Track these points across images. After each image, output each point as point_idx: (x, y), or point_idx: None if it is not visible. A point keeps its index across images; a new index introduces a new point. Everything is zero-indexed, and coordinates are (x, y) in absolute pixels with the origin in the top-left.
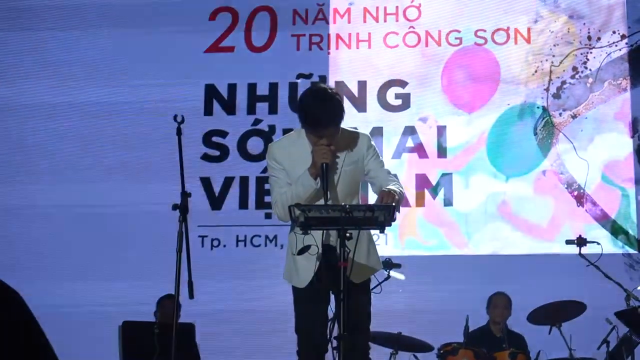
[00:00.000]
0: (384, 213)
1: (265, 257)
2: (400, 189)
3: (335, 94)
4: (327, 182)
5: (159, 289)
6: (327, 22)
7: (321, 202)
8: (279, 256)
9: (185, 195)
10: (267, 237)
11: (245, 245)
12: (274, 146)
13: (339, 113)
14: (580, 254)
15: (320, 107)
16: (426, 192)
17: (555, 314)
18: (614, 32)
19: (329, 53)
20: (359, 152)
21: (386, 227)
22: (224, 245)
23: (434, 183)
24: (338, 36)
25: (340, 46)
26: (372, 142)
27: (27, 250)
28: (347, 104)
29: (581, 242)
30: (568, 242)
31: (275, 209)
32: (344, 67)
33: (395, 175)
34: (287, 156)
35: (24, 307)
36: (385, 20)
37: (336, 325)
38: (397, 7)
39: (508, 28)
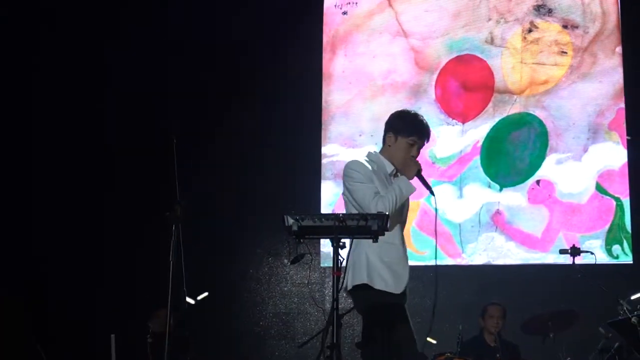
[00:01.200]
0: (377, 222)
1: None
2: None
3: None
4: (427, 185)
5: None
6: (321, 32)
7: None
8: None
9: (178, 205)
10: None
11: None
12: (359, 161)
13: (430, 135)
14: (574, 263)
15: (421, 118)
16: (420, 202)
17: (548, 323)
18: (607, 41)
19: (322, 62)
20: None
21: (379, 237)
22: None
23: (427, 193)
24: (330, 46)
25: (333, 55)
26: None
27: None
28: (341, 112)
29: (575, 252)
30: (562, 251)
31: (376, 209)
32: (337, 76)
33: None
34: (371, 172)
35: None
36: (379, 29)
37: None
38: (391, 16)
39: (503, 37)
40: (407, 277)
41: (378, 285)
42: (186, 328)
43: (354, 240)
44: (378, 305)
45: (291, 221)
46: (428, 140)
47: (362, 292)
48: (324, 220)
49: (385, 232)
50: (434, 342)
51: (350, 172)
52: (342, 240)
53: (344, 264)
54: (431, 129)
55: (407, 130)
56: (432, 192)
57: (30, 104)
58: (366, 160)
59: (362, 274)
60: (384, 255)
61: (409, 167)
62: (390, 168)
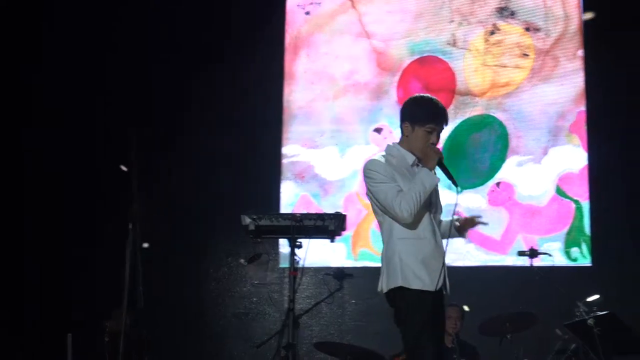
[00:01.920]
0: (334, 222)
1: None
2: None
3: None
4: (450, 174)
5: None
6: (283, 32)
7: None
8: None
9: (135, 205)
10: None
11: None
12: (377, 159)
13: (448, 118)
14: (532, 266)
15: (438, 103)
16: None
17: (506, 325)
18: (569, 44)
19: (284, 62)
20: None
21: (336, 237)
22: None
23: None
24: (293, 46)
25: (295, 55)
26: None
27: None
28: (302, 113)
29: (533, 254)
30: (520, 253)
31: (401, 209)
32: (299, 76)
33: None
34: (390, 170)
35: None
36: (342, 30)
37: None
38: (354, 17)
39: (465, 39)
40: (444, 271)
41: (415, 285)
42: (144, 328)
43: (385, 239)
44: (418, 306)
45: (248, 221)
46: (447, 124)
47: (399, 294)
48: (281, 220)
49: (416, 227)
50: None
51: (369, 174)
52: (299, 240)
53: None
54: (389, 129)
55: (423, 117)
56: (454, 183)
57: None
58: (384, 156)
59: (396, 276)
60: (417, 252)
61: (430, 157)
62: (411, 159)
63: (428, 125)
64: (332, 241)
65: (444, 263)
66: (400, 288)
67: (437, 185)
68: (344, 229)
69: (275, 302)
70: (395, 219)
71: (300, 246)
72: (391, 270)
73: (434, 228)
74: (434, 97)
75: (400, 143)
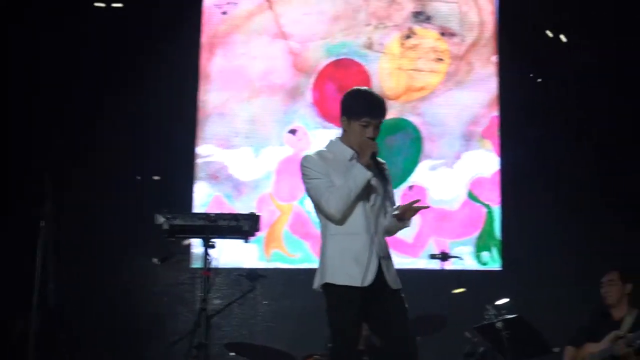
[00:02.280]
0: (248, 223)
1: None
2: None
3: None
4: (379, 170)
5: None
6: (199, 31)
7: (366, 196)
8: None
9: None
10: None
11: None
12: (311, 155)
13: (386, 107)
14: (443, 269)
15: (374, 95)
16: (293, 204)
17: (416, 327)
18: (484, 50)
19: (199, 62)
20: (386, 172)
21: (250, 237)
22: None
23: (301, 196)
24: (209, 45)
25: (211, 55)
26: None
27: None
28: (217, 113)
29: (444, 257)
30: (432, 257)
31: (329, 205)
32: (215, 76)
33: None
34: (325, 164)
35: None
36: (258, 31)
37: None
38: (271, 17)
39: (381, 43)
40: (375, 268)
41: (341, 281)
42: (56, 327)
43: (321, 236)
44: (344, 303)
45: (162, 220)
46: (384, 116)
47: (328, 291)
48: (195, 220)
49: (347, 223)
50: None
51: (303, 170)
52: (212, 240)
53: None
54: (304, 131)
55: (357, 111)
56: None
57: None
58: (320, 151)
59: (324, 272)
60: (346, 248)
61: (364, 152)
62: (349, 154)
63: (363, 119)
64: (246, 242)
65: (381, 258)
66: (328, 284)
67: (374, 180)
68: (258, 229)
69: (187, 302)
70: (324, 215)
71: (213, 246)
72: (321, 266)
73: (369, 223)
74: (371, 89)
75: (341, 137)
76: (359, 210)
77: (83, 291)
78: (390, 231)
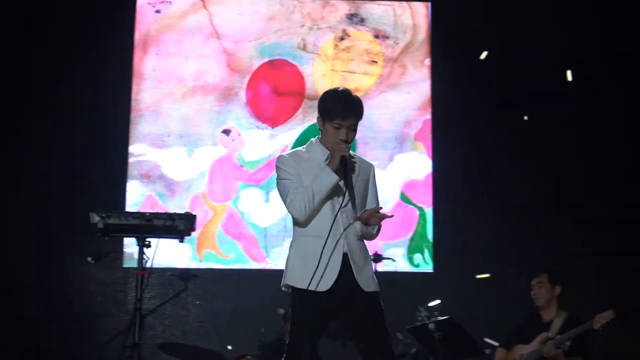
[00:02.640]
0: (184, 222)
1: None
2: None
3: (357, 96)
4: (347, 174)
5: None
6: (133, 30)
7: (337, 200)
8: None
9: None
10: None
11: None
12: (285, 155)
13: (360, 109)
14: (375, 270)
15: (345, 96)
16: (226, 204)
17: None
18: (417, 53)
19: (132, 60)
20: (367, 175)
21: (185, 237)
22: None
23: (234, 196)
24: (142, 44)
25: (144, 53)
26: (374, 174)
27: None
28: (150, 112)
29: (377, 258)
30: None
31: (292, 206)
32: (148, 75)
33: None
34: (297, 165)
35: None
36: (192, 30)
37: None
38: (205, 17)
39: (315, 44)
40: (336, 272)
41: (298, 284)
42: None
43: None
44: (300, 306)
45: (97, 219)
46: (358, 118)
47: (289, 293)
48: (130, 219)
49: (311, 225)
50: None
51: (276, 169)
52: (148, 239)
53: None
54: (237, 131)
55: (329, 113)
56: (345, 184)
57: None
58: (298, 151)
59: (286, 273)
60: (307, 250)
61: (333, 154)
62: (325, 155)
63: (335, 120)
64: (181, 241)
65: (351, 261)
66: (288, 286)
67: (345, 183)
68: (193, 229)
69: (120, 302)
70: (291, 216)
71: (149, 245)
72: (285, 268)
73: (336, 227)
74: (347, 90)
75: (320, 138)
76: (325, 213)
77: (14, 291)
78: (363, 235)
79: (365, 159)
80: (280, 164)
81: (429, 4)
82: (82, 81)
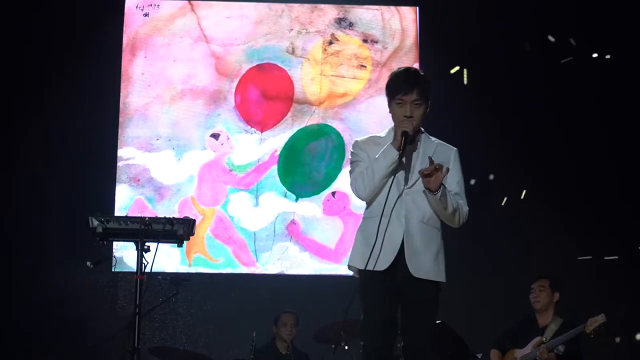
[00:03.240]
0: (183, 227)
1: None
2: (457, 205)
3: (422, 73)
4: (404, 150)
5: None
6: (121, 33)
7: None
8: None
9: None
10: None
11: None
12: (361, 140)
13: (421, 81)
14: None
15: (404, 72)
16: (215, 209)
17: (340, 332)
18: (405, 57)
19: (121, 64)
20: (445, 159)
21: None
22: None
23: (223, 200)
24: (131, 47)
25: (133, 57)
26: (458, 159)
27: None
28: (139, 115)
29: None
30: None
31: (353, 186)
32: (136, 79)
33: (466, 204)
34: (372, 149)
35: None
36: (180, 33)
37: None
38: (193, 20)
39: (304, 48)
40: (392, 253)
41: (358, 264)
42: None
43: None
44: (362, 286)
45: (96, 223)
46: (421, 91)
47: (355, 274)
48: (129, 223)
49: (372, 205)
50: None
51: (350, 154)
52: (147, 244)
53: None
54: (227, 135)
55: (390, 91)
56: (402, 164)
57: None
58: (374, 136)
59: (350, 254)
60: (367, 231)
61: (396, 130)
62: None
63: (397, 97)
64: (179, 246)
65: (405, 243)
66: (352, 267)
67: (411, 161)
68: (192, 234)
69: (109, 306)
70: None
71: (148, 250)
72: (351, 249)
73: (398, 207)
74: (410, 67)
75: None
76: (385, 192)
77: (1, 294)
78: (437, 212)
79: (447, 144)
80: (352, 148)
81: (417, 8)
82: (70, 84)
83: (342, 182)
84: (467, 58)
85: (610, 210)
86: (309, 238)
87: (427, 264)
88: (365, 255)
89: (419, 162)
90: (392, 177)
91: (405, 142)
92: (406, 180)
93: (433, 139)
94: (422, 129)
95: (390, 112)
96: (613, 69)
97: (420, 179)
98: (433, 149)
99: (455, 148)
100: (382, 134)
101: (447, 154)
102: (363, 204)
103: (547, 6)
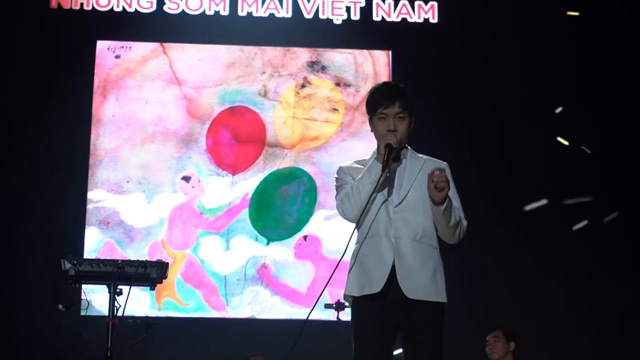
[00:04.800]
0: (156, 270)
1: None
2: (459, 219)
3: (402, 86)
4: (388, 163)
5: None
6: (92, 74)
7: (391, 200)
8: None
9: None
10: None
11: None
12: (345, 165)
13: (401, 93)
14: (338, 318)
15: (383, 85)
16: (186, 252)
17: None
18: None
19: (92, 105)
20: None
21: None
22: None
23: (194, 244)
24: (102, 89)
25: (104, 98)
26: (450, 174)
27: None
28: (109, 158)
29: (339, 306)
30: (327, 306)
31: (339, 208)
32: (107, 121)
33: (462, 215)
34: (357, 172)
35: None
36: (152, 75)
37: None
38: (165, 62)
39: (276, 91)
40: (384, 274)
41: (353, 291)
42: None
43: None
44: (354, 313)
45: (68, 265)
46: (402, 103)
47: (350, 304)
48: (102, 266)
49: (362, 226)
50: None
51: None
52: (119, 287)
53: None
54: (197, 178)
55: (371, 107)
56: (385, 164)
57: None
58: (359, 160)
59: (345, 285)
60: (358, 255)
61: (379, 145)
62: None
63: (377, 111)
64: (152, 289)
65: (397, 262)
66: (347, 297)
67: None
68: (165, 277)
69: (79, 351)
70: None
71: (120, 293)
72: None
73: (384, 225)
74: (388, 82)
75: None
76: (373, 212)
77: None
78: (438, 225)
79: (436, 159)
80: (336, 174)
81: (390, 52)
82: (40, 125)
83: (314, 225)
84: (440, 102)
85: None
86: (280, 282)
87: (423, 284)
88: (362, 279)
89: (405, 178)
90: (378, 195)
91: (389, 155)
92: (393, 198)
93: (421, 155)
94: (408, 146)
95: (372, 130)
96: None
97: (409, 195)
98: (420, 165)
99: (445, 162)
100: (367, 157)
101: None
102: (336, 247)
103: (521, 45)
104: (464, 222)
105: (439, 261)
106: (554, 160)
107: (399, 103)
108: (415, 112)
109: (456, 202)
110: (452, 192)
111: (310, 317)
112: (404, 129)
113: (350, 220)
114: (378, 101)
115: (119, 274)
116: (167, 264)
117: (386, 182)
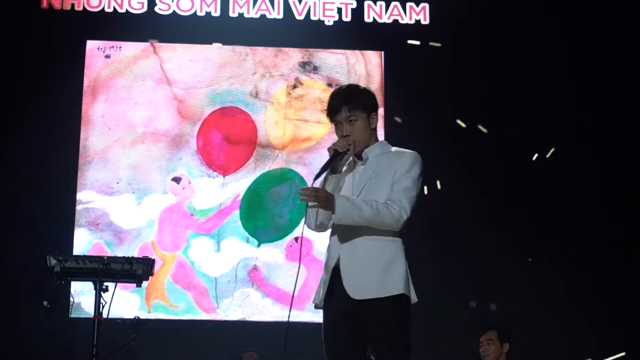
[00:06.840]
0: (142, 266)
1: None
2: (378, 207)
3: (358, 86)
4: (328, 168)
5: None
6: (82, 75)
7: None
8: None
9: None
10: None
11: None
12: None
13: (349, 97)
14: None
15: (330, 96)
16: (176, 254)
17: None
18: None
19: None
20: (398, 167)
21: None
22: None
23: (184, 245)
24: (92, 89)
25: (93, 99)
26: (418, 164)
27: None
28: (99, 158)
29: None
30: (317, 307)
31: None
32: (97, 121)
33: (405, 202)
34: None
35: None
36: (142, 76)
37: None
38: (155, 62)
39: (267, 92)
40: (327, 282)
41: (315, 301)
42: None
43: None
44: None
45: (54, 262)
46: (350, 107)
47: None
48: (87, 262)
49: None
50: None
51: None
52: (105, 283)
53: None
54: (188, 179)
55: (328, 116)
56: (317, 176)
57: None
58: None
59: None
60: (326, 259)
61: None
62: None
63: (331, 120)
64: (138, 286)
65: (340, 267)
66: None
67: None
68: (152, 273)
69: (66, 353)
70: None
71: (106, 290)
72: None
73: (337, 234)
74: (342, 86)
75: None
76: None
77: None
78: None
79: (405, 150)
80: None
81: (382, 53)
82: (30, 126)
83: (306, 227)
84: (431, 102)
85: None
86: (271, 284)
87: (369, 282)
88: (317, 289)
89: (365, 176)
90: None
91: (332, 160)
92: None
93: (394, 149)
94: (382, 141)
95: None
96: None
97: (363, 192)
98: (383, 159)
99: (414, 152)
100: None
101: (397, 160)
102: (324, 249)
103: (513, 44)
104: (394, 207)
105: (396, 254)
106: (552, 161)
107: (346, 108)
108: (376, 105)
109: (399, 185)
110: (404, 177)
111: (302, 320)
112: (359, 129)
113: (315, 231)
114: (328, 111)
115: (104, 270)
116: (154, 260)
117: (340, 185)
